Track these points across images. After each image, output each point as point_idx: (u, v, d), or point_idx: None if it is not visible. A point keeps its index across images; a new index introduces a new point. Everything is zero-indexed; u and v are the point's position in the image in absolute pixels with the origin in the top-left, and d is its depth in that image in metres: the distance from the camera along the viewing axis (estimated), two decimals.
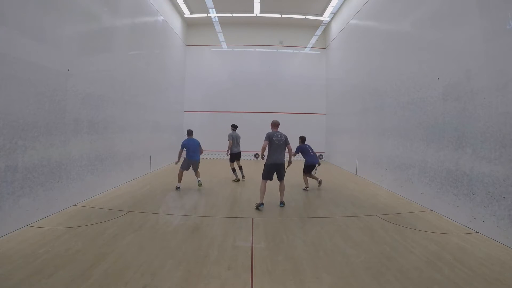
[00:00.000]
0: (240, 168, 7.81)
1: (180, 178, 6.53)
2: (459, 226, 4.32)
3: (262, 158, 5.26)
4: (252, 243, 3.65)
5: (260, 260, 3.13)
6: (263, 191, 5.15)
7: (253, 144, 11.94)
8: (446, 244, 3.63)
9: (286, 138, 5.29)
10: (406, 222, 4.48)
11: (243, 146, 8.01)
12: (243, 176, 7.76)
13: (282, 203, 5.33)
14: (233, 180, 7.60)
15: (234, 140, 7.65)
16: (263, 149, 5.19)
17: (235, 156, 7.69)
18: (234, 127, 7.94)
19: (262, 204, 5.11)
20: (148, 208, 5.03)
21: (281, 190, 5.36)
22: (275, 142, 5.16)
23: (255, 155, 12.82)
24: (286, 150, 5.35)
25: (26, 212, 3.98)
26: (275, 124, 5.41)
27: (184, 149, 6.58)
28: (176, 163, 6.89)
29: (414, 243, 3.64)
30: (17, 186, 3.82)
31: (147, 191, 6.37)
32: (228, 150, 7.65)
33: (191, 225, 4.30)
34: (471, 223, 4.19)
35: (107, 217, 4.47)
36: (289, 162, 5.50)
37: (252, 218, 4.59)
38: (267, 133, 5.24)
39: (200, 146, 6.69)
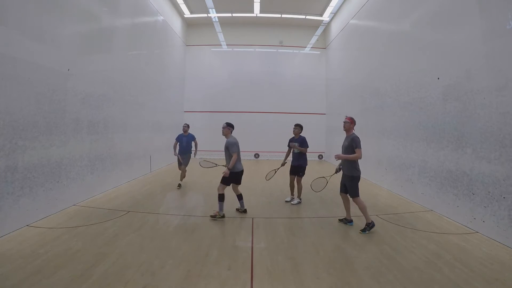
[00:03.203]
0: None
1: None
2: (459, 226, 4.32)
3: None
4: (252, 243, 3.65)
5: (260, 260, 3.13)
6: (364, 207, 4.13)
7: (252, 144, 11.99)
8: (446, 244, 3.63)
9: (350, 141, 4.19)
10: (406, 222, 4.48)
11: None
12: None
13: (351, 221, 4.34)
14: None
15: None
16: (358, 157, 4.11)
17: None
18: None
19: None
20: (148, 208, 5.03)
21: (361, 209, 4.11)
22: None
23: (255, 155, 12.82)
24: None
25: (26, 212, 3.98)
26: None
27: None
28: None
29: (414, 243, 3.64)
30: (17, 186, 3.82)
31: (147, 191, 6.37)
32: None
33: (191, 225, 4.30)
34: (471, 223, 4.19)
35: (107, 217, 4.47)
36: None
37: (252, 218, 4.59)
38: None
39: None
